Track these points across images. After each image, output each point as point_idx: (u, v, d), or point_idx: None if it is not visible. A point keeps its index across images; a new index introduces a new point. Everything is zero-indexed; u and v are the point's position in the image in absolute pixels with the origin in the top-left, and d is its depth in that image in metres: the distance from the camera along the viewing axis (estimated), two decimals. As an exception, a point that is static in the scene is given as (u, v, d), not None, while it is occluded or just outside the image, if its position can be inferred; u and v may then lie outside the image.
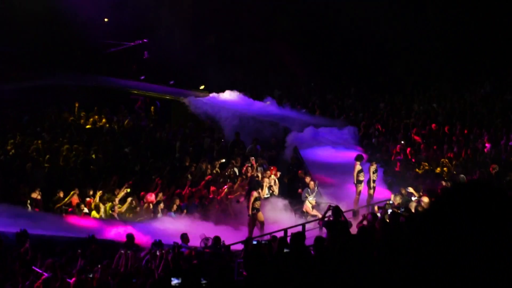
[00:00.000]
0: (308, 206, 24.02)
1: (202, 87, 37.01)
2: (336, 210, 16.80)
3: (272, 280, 9.85)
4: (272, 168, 25.96)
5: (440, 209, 2.50)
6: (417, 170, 26.31)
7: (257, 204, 22.65)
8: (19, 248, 17.76)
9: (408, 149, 27.96)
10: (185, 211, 24.48)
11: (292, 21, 38.54)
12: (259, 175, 25.52)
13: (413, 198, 21.38)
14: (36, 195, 23.81)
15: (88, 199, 24.10)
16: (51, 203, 23.98)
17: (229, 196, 25.27)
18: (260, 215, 22.83)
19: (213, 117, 32.16)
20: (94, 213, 23.67)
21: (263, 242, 16.88)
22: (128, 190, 24.86)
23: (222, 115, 32.08)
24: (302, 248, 12.60)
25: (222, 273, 12.97)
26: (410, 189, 22.12)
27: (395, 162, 27.41)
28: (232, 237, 20.77)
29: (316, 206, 23.87)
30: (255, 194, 22.68)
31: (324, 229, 17.72)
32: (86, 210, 23.56)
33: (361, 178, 24.29)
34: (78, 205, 23.65)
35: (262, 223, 22.85)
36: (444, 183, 23.19)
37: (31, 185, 24.54)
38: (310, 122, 31.29)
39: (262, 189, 23.63)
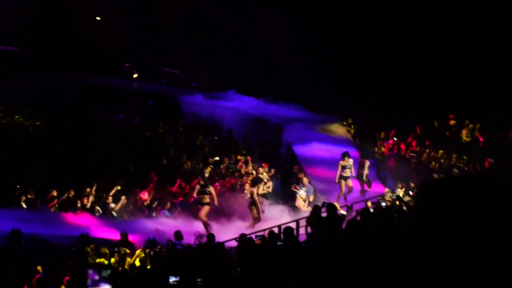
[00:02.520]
0: (300, 201, 24.09)
1: (193, 85, 36.98)
2: (330, 206, 16.78)
3: (266, 274, 9.87)
4: (264, 164, 25.98)
5: (426, 205, 2.32)
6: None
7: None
8: (13, 248, 17.74)
9: (402, 145, 27.99)
10: (178, 209, 24.52)
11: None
12: (253, 172, 25.53)
13: (410, 193, 21.43)
14: (30, 195, 23.89)
15: (83, 197, 24.17)
16: (45, 202, 24.00)
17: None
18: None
19: (206, 115, 32.10)
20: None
21: (257, 237, 16.94)
22: (119, 187, 24.90)
23: (215, 113, 32.05)
24: (293, 242, 12.65)
25: (217, 270, 12.98)
26: (399, 188, 22.14)
27: (388, 157, 27.44)
28: (226, 234, 20.80)
29: (309, 202, 23.92)
30: (255, 190, 23.15)
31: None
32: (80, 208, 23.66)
33: (345, 174, 24.24)
34: (72, 203, 23.71)
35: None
36: (436, 176, 23.24)
37: (27, 185, 24.62)
38: (302, 118, 31.27)
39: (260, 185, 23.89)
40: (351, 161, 24.38)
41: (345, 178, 24.23)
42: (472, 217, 2.15)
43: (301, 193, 24.29)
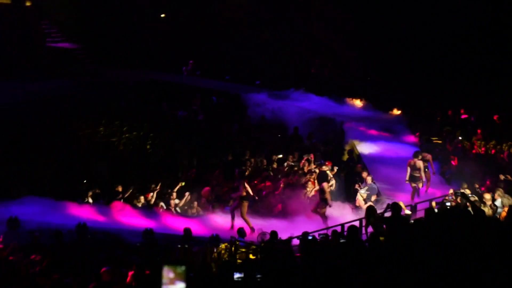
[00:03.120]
0: (360, 200, 23.91)
1: (257, 82, 37.04)
2: (394, 206, 16.67)
3: (329, 272, 9.87)
4: (327, 162, 25.85)
5: None
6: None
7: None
8: (79, 242, 17.99)
9: (469, 144, 27.71)
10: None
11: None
12: (316, 170, 25.41)
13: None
14: (96, 190, 24.24)
15: (147, 193, 24.42)
16: (111, 197, 24.29)
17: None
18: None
19: (270, 112, 32.17)
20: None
21: (320, 236, 16.94)
22: (183, 183, 25.10)
23: (279, 111, 32.10)
24: (357, 241, 12.61)
25: (279, 267, 12.98)
26: (465, 188, 21.66)
27: (453, 157, 27.07)
28: (289, 231, 20.78)
29: (372, 201, 23.69)
30: (325, 186, 23.01)
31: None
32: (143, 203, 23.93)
33: (417, 174, 23.96)
34: (137, 198, 23.98)
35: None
36: (502, 177, 22.88)
37: (93, 180, 24.99)
38: (368, 116, 31.14)
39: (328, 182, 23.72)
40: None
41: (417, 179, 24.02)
42: None
43: (362, 192, 24.11)
